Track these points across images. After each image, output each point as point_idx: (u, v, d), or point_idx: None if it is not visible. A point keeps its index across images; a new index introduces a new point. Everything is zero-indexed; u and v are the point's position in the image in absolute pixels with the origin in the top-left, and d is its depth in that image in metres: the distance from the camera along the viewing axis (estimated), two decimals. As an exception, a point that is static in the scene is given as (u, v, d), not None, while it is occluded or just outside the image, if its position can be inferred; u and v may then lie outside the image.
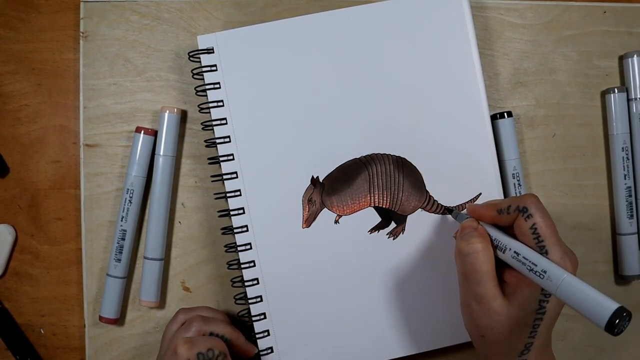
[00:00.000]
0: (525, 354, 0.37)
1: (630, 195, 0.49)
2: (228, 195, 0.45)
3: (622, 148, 0.48)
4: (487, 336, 0.38)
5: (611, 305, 0.30)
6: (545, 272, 0.34)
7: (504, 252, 0.37)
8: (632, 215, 0.49)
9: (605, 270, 0.50)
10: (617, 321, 0.30)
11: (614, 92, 0.49)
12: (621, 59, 0.50)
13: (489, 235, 0.38)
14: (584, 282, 0.33)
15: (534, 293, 0.36)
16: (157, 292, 0.46)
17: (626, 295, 0.50)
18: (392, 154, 0.45)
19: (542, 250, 0.35)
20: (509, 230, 0.38)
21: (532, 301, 0.36)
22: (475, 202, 0.45)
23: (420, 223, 0.46)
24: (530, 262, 0.35)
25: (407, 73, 0.45)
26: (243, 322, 0.46)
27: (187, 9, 0.47)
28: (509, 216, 0.38)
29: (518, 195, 0.47)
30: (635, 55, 0.49)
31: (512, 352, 0.38)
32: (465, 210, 0.44)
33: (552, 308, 0.36)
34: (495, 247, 0.38)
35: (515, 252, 0.36)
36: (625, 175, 0.49)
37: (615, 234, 0.50)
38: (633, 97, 0.49)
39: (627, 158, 0.48)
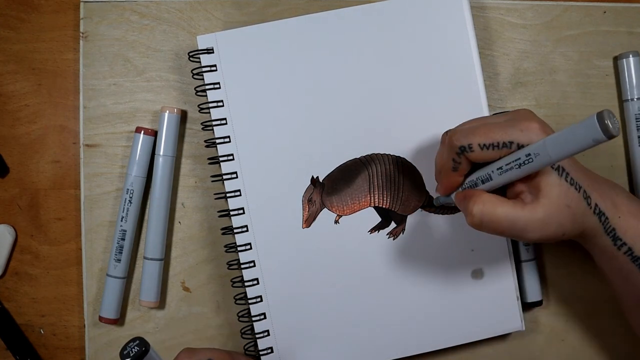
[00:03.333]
0: (600, 209, 0.37)
1: None
2: (228, 195, 0.45)
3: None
4: (566, 233, 0.37)
5: (592, 120, 0.30)
6: (529, 154, 0.34)
7: (492, 180, 0.37)
8: None
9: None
10: (606, 121, 0.29)
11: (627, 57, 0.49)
12: (615, 59, 0.50)
13: (472, 183, 0.38)
14: (560, 131, 0.32)
15: (549, 175, 0.36)
16: (157, 292, 0.46)
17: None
18: (392, 154, 0.45)
19: (511, 145, 0.35)
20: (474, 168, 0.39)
21: (556, 181, 0.36)
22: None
23: (420, 223, 0.46)
24: (512, 162, 0.35)
25: (407, 73, 0.45)
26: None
27: (187, 9, 0.47)
28: (467, 163, 0.38)
29: None
30: (630, 56, 0.49)
31: (591, 222, 0.37)
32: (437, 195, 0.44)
33: (569, 165, 0.36)
34: (483, 182, 0.38)
35: (497, 169, 0.36)
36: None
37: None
38: (629, 97, 0.49)
39: None
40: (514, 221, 0.36)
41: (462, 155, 0.37)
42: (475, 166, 0.38)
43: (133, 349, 0.31)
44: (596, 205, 0.37)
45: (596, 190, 0.38)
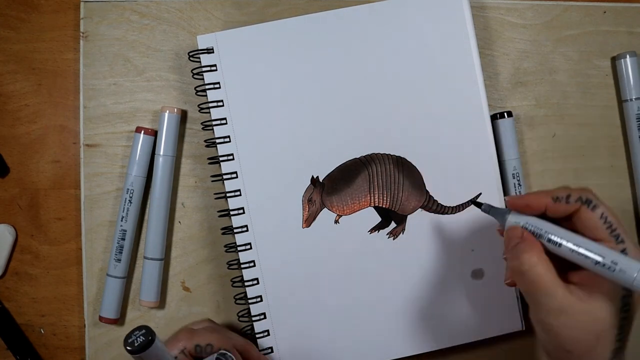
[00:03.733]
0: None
1: None
2: (228, 195, 0.45)
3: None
4: (574, 350, 0.33)
5: None
6: (616, 263, 0.31)
7: (559, 247, 0.33)
8: None
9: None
10: None
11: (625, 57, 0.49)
12: (613, 60, 0.50)
13: (538, 231, 0.34)
14: None
15: (615, 288, 0.32)
16: (157, 292, 0.46)
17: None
18: (392, 154, 0.45)
19: (619, 240, 0.32)
20: (562, 223, 0.34)
21: (615, 298, 0.32)
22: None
23: (420, 223, 0.46)
24: (595, 253, 0.31)
25: (407, 73, 0.45)
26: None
27: (187, 9, 0.48)
28: (567, 206, 0.34)
29: (519, 193, 0.46)
30: (627, 56, 0.49)
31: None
32: (506, 203, 0.37)
33: (635, 302, 0.33)
34: (549, 240, 0.34)
35: (575, 244, 0.32)
36: None
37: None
38: (628, 98, 0.49)
39: None
40: (552, 296, 0.32)
41: (579, 204, 0.33)
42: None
43: (139, 338, 0.29)
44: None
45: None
